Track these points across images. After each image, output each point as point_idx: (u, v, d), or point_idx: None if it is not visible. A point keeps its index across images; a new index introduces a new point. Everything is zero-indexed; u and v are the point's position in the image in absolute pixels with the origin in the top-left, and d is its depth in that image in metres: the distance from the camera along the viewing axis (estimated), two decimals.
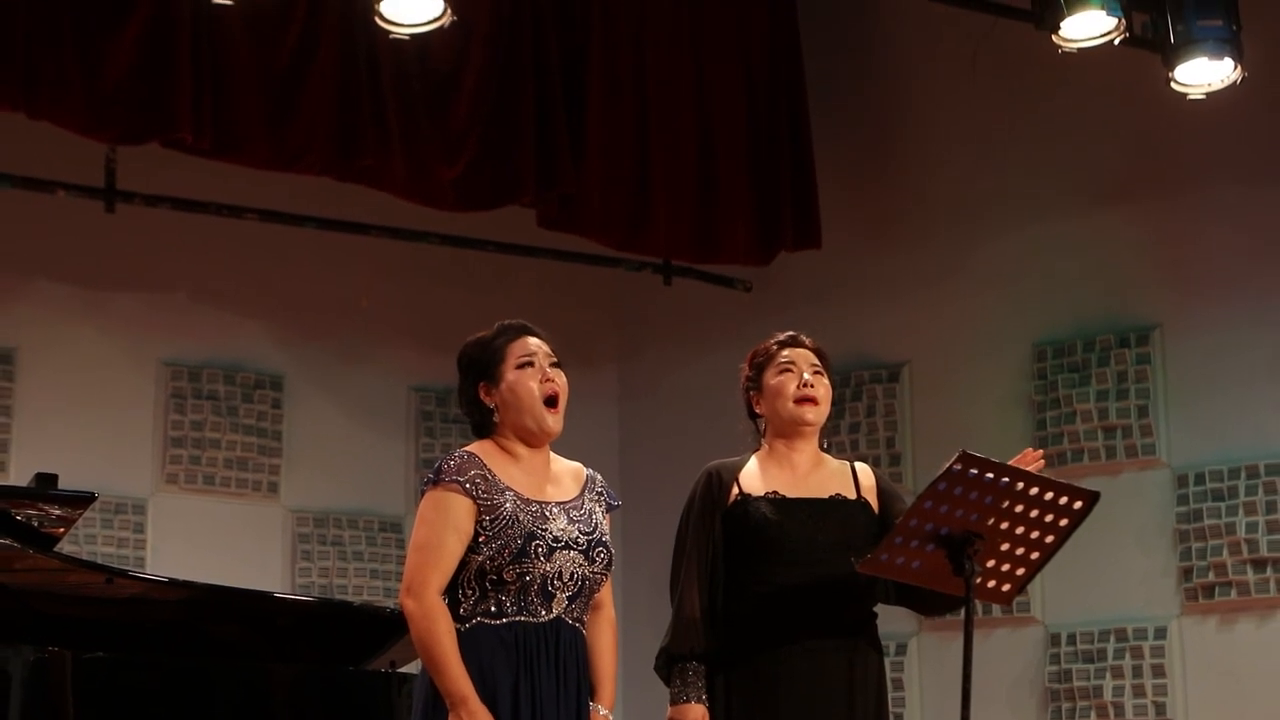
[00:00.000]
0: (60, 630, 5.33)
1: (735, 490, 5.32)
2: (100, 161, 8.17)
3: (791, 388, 5.36)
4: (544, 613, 4.71)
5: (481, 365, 4.85)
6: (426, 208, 8.43)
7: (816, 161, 9.07)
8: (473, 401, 4.86)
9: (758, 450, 5.45)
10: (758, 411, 5.48)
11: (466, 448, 4.80)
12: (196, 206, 8.48)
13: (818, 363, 5.44)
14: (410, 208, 8.46)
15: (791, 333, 5.53)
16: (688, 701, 5.12)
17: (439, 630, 4.62)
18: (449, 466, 4.72)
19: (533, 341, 4.86)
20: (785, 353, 5.43)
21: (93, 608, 5.48)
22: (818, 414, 5.39)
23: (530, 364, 4.82)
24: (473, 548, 4.67)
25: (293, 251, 8.99)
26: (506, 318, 4.95)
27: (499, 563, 4.66)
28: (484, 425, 4.85)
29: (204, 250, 8.88)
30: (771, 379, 5.40)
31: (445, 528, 4.66)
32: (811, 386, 5.36)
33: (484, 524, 4.68)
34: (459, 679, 4.59)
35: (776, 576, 5.25)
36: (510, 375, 4.81)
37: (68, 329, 8.66)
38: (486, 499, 4.69)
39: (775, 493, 5.33)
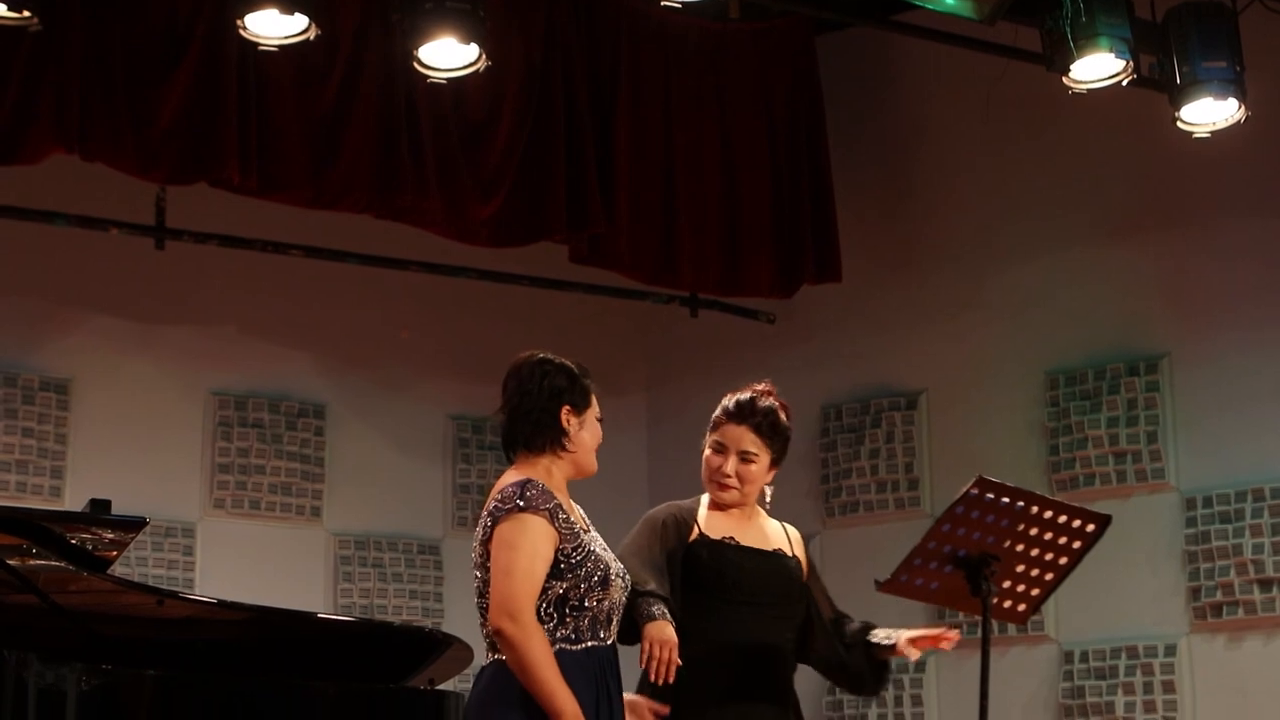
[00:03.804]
0: (113, 650, 5.32)
1: (695, 531, 5.33)
2: (151, 201, 8.24)
3: (714, 468, 5.37)
4: (606, 638, 4.81)
5: (573, 393, 4.88)
6: (463, 244, 8.48)
7: (836, 198, 9.08)
8: (551, 418, 4.85)
9: (704, 495, 5.44)
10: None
11: (529, 476, 4.78)
12: (243, 243, 8.51)
13: (752, 449, 5.37)
14: (447, 244, 8.50)
15: (750, 399, 5.42)
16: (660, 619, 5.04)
17: (545, 651, 4.63)
18: (533, 494, 4.72)
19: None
20: (726, 430, 5.38)
21: (144, 628, 5.48)
22: (733, 498, 5.39)
23: (601, 419, 4.97)
24: (554, 574, 4.70)
25: (335, 286, 9.04)
26: (540, 349, 4.96)
27: (583, 591, 4.73)
28: (547, 442, 4.84)
29: (250, 285, 8.92)
30: (707, 449, 5.42)
31: (536, 554, 4.67)
32: (729, 477, 5.34)
33: (565, 552, 4.72)
34: (570, 698, 4.61)
35: (731, 619, 5.29)
36: (592, 417, 4.91)
37: (120, 360, 8.69)
38: (567, 529, 4.75)
39: (731, 538, 5.38)
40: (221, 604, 5.68)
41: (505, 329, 9.26)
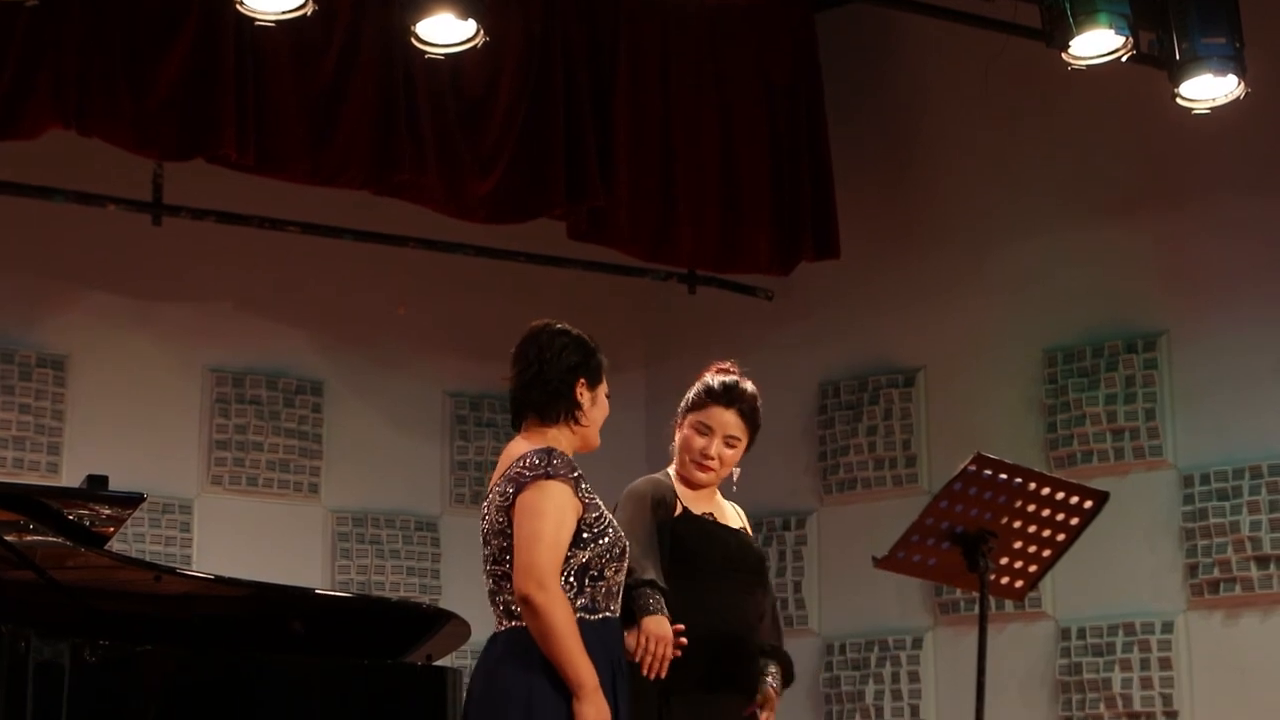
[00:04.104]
0: (110, 625, 5.32)
1: (679, 507, 5.42)
2: (148, 177, 8.20)
3: (696, 449, 5.45)
4: (616, 610, 4.83)
5: (589, 368, 4.91)
6: (460, 220, 8.48)
7: (835, 175, 9.09)
8: (568, 389, 4.86)
9: (669, 468, 5.52)
10: (675, 436, 5.55)
11: (549, 446, 4.79)
12: (240, 219, 8.49)
13: (736, 434, 5.47)
14: (445, 220, 8.51)
15: (735, 382, 5.52)
16: (658, 614, 5.13)
17: (571, 620, 4.64)
18: (559, 462, 4.73)
19: None
20: (712, 412, 5.47)
21: (141, 603, 5.48)
22: (710, 480, 5.49)
23: (609, 396, 4.99)
24: (576, 544, 4.72)
25: (332, 262, 9.02)
26: (552, 320, 5.02)
27: (604, 562, 4.76)
28: (561, 413, 4.85)
29: (247, 261, 8.91)
30: (688, 428, 5.49)
31: (561, 522, 4.68)
32: (711, 459, 5.44)
33: (587, 522, 4.74)
34: (590, 669, 4.63)
35: (716, 591, 5.39)
36: (602, 394, 4.94)
37: (117, 337, 8.69)
38: (590, 499, 4.78)
39: (710, 515, 5.50)
40: (219, 579, 5.70)
41: (503, 306, 9.24)
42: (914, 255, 9.29)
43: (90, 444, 8.49)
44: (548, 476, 4.70)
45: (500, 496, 4.79)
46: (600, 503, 4.84)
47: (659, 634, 5.07)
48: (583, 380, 4.90)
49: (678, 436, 5.54)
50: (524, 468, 4.75)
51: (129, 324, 8.75)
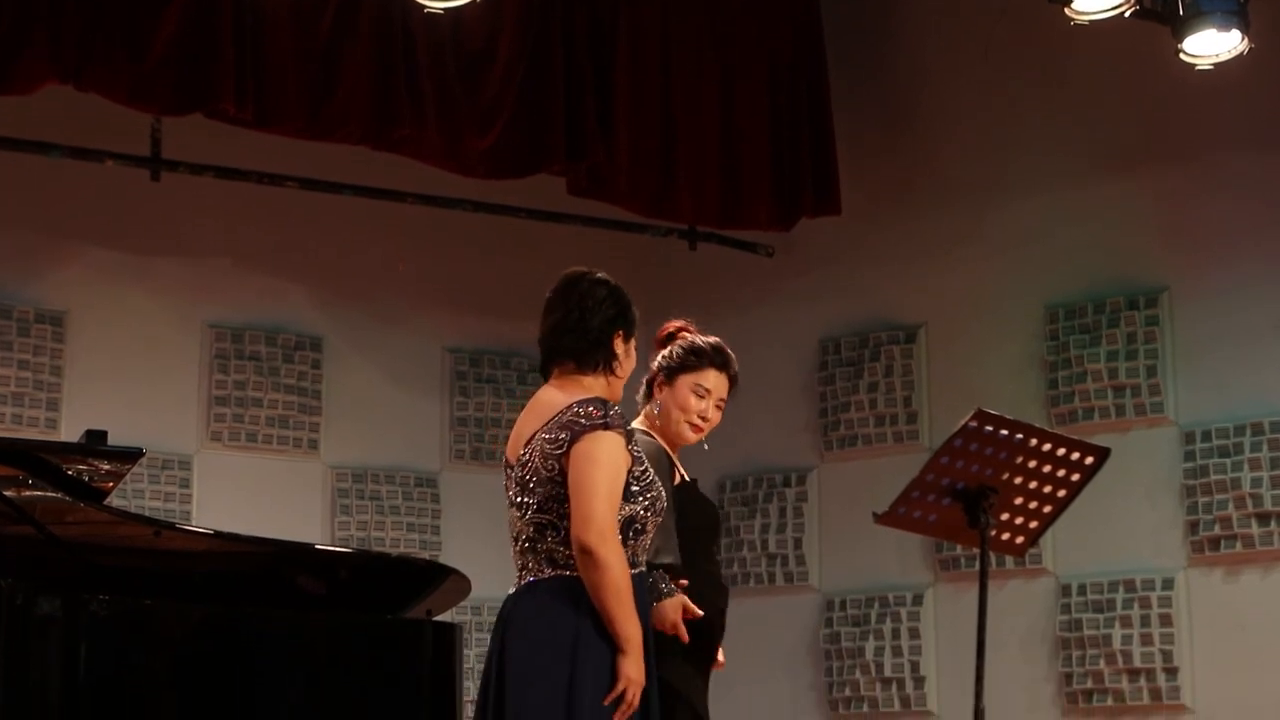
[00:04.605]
0: (110, 580, 5.31)
1: (677, 475, 5.40)
2: (146, 132, 8.19)
3: (695, 411, 5.42)
4: (644, 566, 4.84)
5: (626, 320, 4.89)
6: (460, 176, 8.46)
7: (836, 130, 9.07)
8: (607, 340, 4.84)
9: (644, 424, 5.43)
10: (656, 396, 5.48)
11: (598, 396, 4.76)
12: (238, 175, 8.47)
13: (726, 396, 5.49)
14: (444, 176, 8.48)
15: (722, 347, 5.51)
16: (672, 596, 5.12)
17: (627, 575, 4.62)
18: (615, 414, 4.71)
19: None
20: (709, 376, 5.45)
21: (141, 559, 5.48)
22: (696, 440, 5.48)
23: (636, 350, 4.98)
24: (625, 497, 4.69)
25: (331, 218, 8.99)
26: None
27: (647, 516, 4.75)
28: (599, 362, 4.82)
29: (246, 217, 8.88)
30: (683, 389, 5.43)
31: (616, 474, 4.66)
32: (706, 421, 5.44)
33: (635, 475, 4.72)
34: (639, 626, 4.63)
35: (713, 563, 5.45)
36: (633, 348, 4.93)
37: (115, 292, 8.67)
38: (637, 452, 4.77)
39: (694, 479, 5.50)
40: (219, 535, 5.67)
41: (502, 262, 9.34)
42: (916, 211, 9.26)
43: (89, 400, 8.48)
44: (606, 427, 4.66)
45: (550, 444, 4.72)
46: (644, 455, 4.82)
47: (674, 621, 5.09)
48: (620, 332, 4.88)
49: (666, 396, 5.46)
50: (579, 415, 4.71)
51: (128, 279, 8.73)
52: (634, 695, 4.64)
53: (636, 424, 5.42)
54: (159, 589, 5.40)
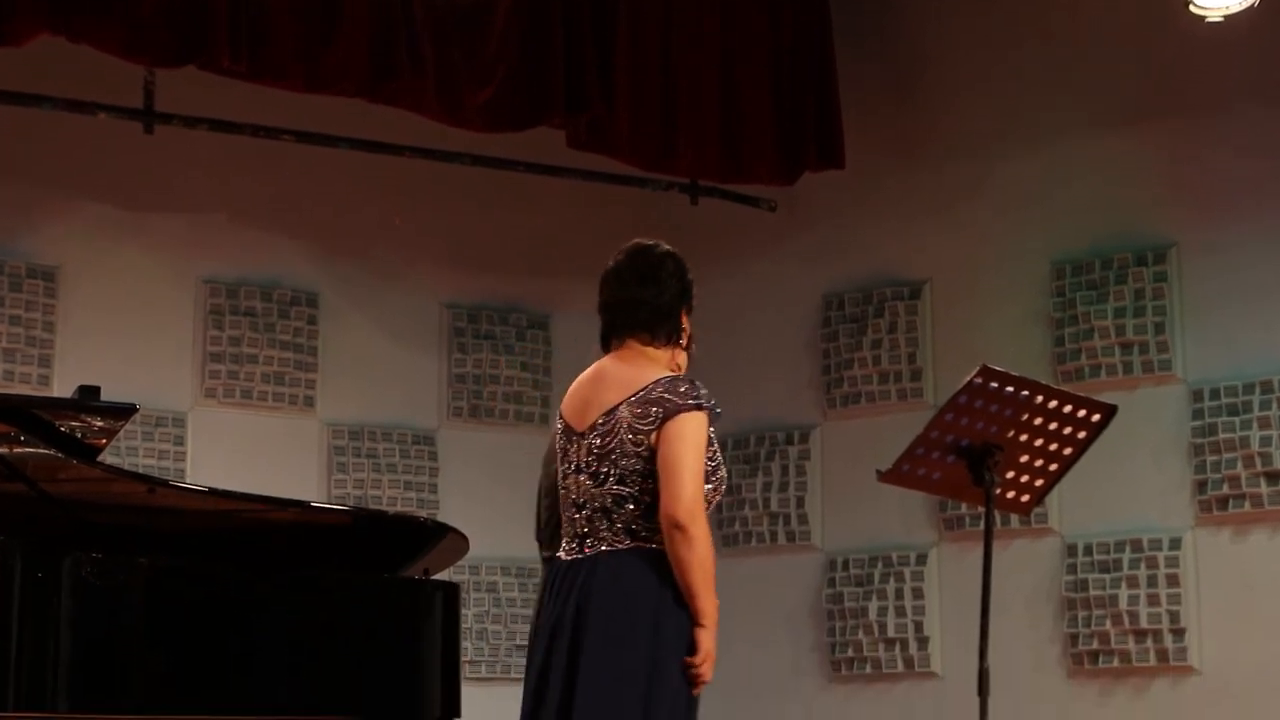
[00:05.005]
0: (103, 538, 5.31)
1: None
2: (139, 84, 8.13)
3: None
4: None
5: (690, 294, 4.97)
6: (458, 129, 8.41)
7: (840, 83, 9.00)
8: (676, 314, 4.92)
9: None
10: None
11: (684, 374, 4.85)
12: (233, 128, 8.44)
13: None
14: (442, 129, 8.44)
15: None
16: None
17: (711, 554, 4.74)
18: (705, 394, 4.80)
19: None
20: None
21: (135, 516, 5.47)
22: None
23: None
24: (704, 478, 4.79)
25: (327, 172, 8.95)
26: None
27: (714, 495, 4.83)
28: (670, 336, 4.89)
29: (241, 171, 8.86)
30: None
31: (702, 455, 4.76)
32: None
33: (710, 456, 4.81)
34: (716, 605, 4.75)
35: None
36: (690, 325, 4.98)
37: (108, 247, 8.66)
38: (711, 433, 4.83)
39: None
40: (213, 492, 5.64)
41: (501, 216, 9.29)
42: (920, 166, 9.21)
43: (82, 356, 8.46)
44: (699, 407, 4.75)
45: (639, 419, 4.78)
46: (713, 434, 4.87)
47: None
48: (687, 305, 4.96)
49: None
50: (673, 394, 4.77)
51: (121, 234, 8.71)
52: (709, 669, 4.74)
53: None
54: (153, 547, 5.39)
